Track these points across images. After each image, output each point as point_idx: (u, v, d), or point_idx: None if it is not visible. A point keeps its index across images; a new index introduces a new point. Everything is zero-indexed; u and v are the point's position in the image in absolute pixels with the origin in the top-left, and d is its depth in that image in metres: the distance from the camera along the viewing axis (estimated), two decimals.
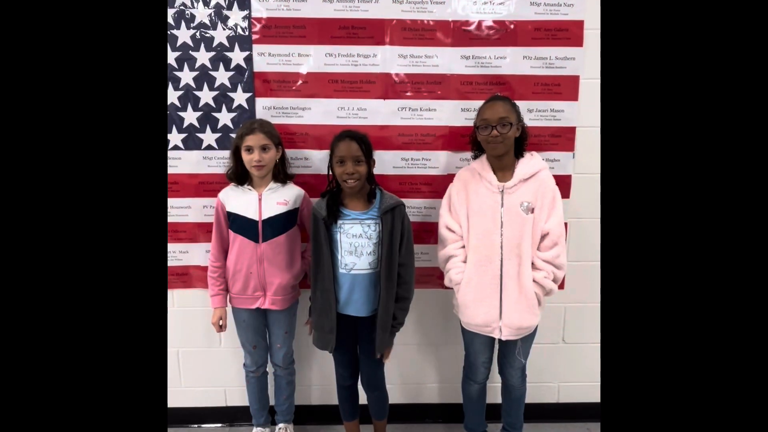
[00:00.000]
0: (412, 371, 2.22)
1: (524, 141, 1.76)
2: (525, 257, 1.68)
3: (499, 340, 1.83)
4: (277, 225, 1.83)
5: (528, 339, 1.81)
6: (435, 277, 2.08)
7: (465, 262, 1.76)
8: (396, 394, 2.06)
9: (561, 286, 1.97)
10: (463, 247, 1.77)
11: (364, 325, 1.77)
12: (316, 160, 2.01)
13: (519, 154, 1.75)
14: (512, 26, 1.92)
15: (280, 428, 2.09)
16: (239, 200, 1.85)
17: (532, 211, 1.69)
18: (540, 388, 2.22)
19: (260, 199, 1.83)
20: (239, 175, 1.85)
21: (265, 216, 1.82)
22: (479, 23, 1.91)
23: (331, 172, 1.73)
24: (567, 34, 1.92)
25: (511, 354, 1.83)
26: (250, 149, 1.78)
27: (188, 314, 2.13)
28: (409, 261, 1.76)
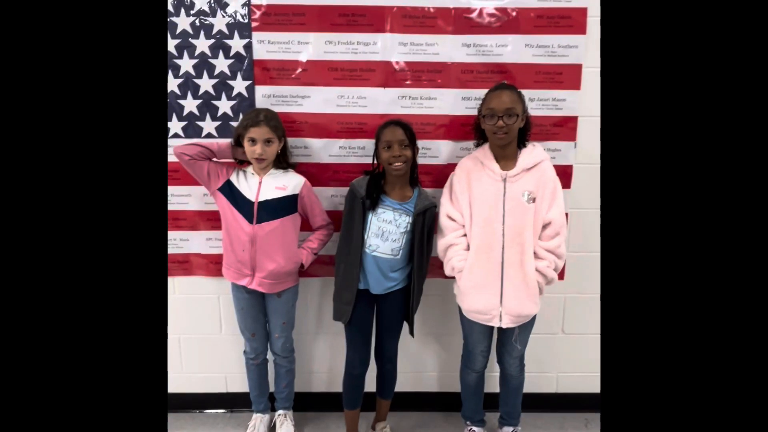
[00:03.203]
0: (412, 360, 2.23)
1: (527, 131, 1.76)
2: (527, 246, 1.69)
3: (498, 329, 1.84)
4: (272, 209, 1.83)
5: (526, 327, 1.82)
6: (435, 267, 2.07)
7: (466, 250, 1.76)
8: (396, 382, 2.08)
9: (561, 277, 1.97)
10: (464, 235, 1.77)
11: (385, 300, 1.85)
12: (316, 149, 2.00)
13: (521, 144, 1.75)
14: (514, 13, 1.89)
15: (279, 415, 2.11)
16: (243, 181, 1.85)
17: (534, 200, 1.70)
18: (539, 378, 2.22)
19: (260, 183, 1.84)
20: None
21: (261, 198, 1.82)
22: (481, 10, 1.89)
23: (375, 160, 1.82)
24: (570, 21, 1.89)
25: (509, 342, 1.83)
26: (253, 141, 1.77)
27: (189, 301, 2.15)
28: (429, 255, 1.89)
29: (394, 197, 1.79)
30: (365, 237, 1.79)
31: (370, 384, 2.02)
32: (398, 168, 1.73)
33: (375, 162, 1.83)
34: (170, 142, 1.98)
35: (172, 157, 1.97)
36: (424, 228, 1.79)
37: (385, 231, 1.77)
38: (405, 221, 1.78)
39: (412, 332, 1.91)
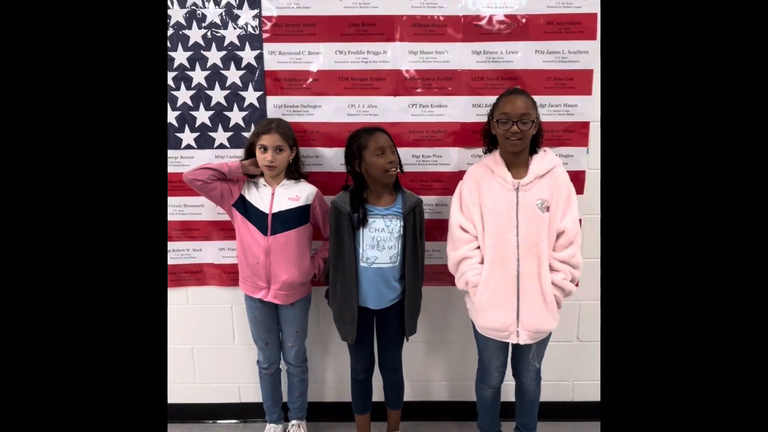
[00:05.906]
0: (423, 369, 2.21)
1: (539, 137, 1.72)
2: (543, 257, 1.63)
3: (514, 345, 1.79)
4: (286, 220, 1.83)
5: (543, 342, 1.77)
6: (447, 274, 2.05)
7: (481, 263, 1.71)
8: (407, 392, 2.06)
9: (576, 283, 1.94)
10: (478, 248, 1.71)
11: (384, 314, 1.82)
12: (327, 158, 2.01)
13: (533, 150, 1.71)
14: (524, 20, 1.89)
15: (292, 425, 2.10)
16: (255, 193, 1.86)
17: (548, 209, 1.64)
18: (555, 387, 2.19)
19: (273, 194, 1.84)
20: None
21: (275, 210, 1.83)
22: (490, 18, 1.89)
23: (357, 168, 1.73)
24: (580, 27, 1.89)
25: (526, 358, 1.78)
26: (264, 148, 1.78)
27: (202, 311, 2.15)
28: (423, 253, 1.86)
29: (380, 204, 1.77)
30: (359, 252, 1.76)
31: (382, 393, 2.01)
32: (393, 174, 1.73)
33: (357, 169, 1.73)
34: (183, 153, 2.01)
35: (184, 168, 1.99)
36: (416, 226, 1.77)
37: (380, 240, 1.75)
38: (398, 225, 1.75)
39: (407, 336, 1.85)
